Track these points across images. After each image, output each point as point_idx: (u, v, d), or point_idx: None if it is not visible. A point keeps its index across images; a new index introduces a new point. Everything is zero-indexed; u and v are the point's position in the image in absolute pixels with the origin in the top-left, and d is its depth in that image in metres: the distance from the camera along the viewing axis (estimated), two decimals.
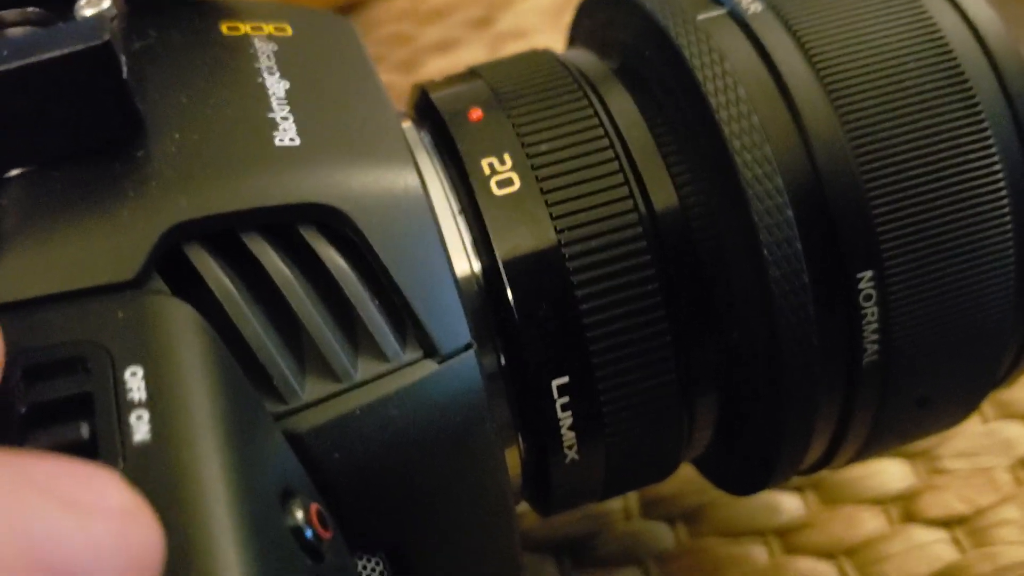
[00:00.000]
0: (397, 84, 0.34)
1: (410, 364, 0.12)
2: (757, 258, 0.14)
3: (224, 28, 0.14)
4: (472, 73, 0.17)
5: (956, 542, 0.21)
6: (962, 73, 0.15)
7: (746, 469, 0.17)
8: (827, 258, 0.14)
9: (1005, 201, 0.15)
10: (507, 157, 0.15)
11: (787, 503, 0.22)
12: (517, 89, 0.16)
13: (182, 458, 0.10)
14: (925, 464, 0.23)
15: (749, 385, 0.15)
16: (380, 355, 0.12)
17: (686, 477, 0.22)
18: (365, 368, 0.12)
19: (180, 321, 0.11)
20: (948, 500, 0.22)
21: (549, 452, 0.15)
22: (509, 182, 0.15)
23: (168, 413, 0.10)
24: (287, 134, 0.13)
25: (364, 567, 0.12)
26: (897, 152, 0.14)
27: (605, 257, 0.14)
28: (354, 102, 0.14)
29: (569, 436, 0.15)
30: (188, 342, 0.10)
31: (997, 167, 0.15)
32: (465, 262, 0.14)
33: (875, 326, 0.15)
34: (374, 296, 0.12)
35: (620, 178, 0.15)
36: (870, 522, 0.22)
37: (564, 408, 0.14)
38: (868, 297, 0.14)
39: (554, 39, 0.34)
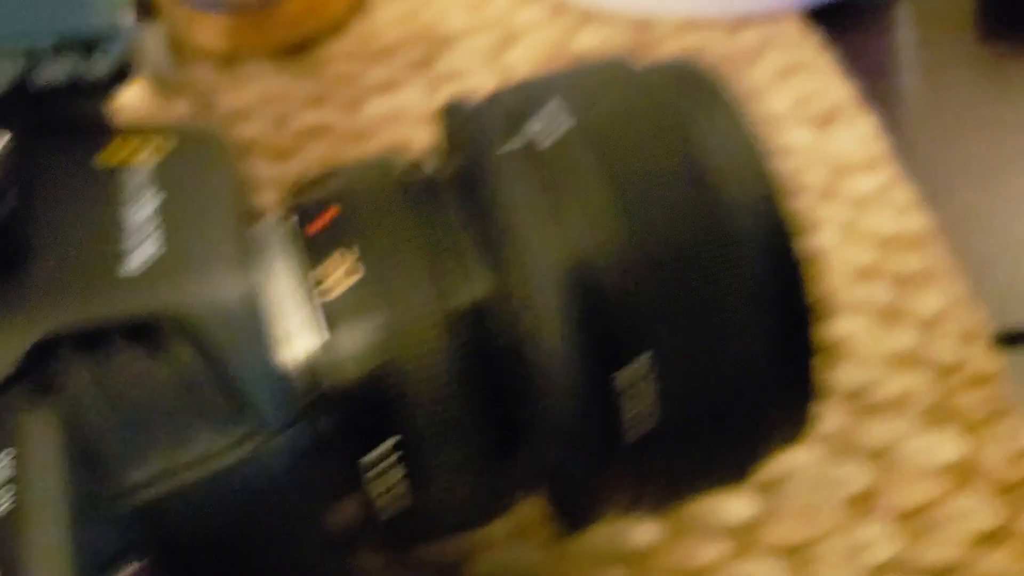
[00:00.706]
0: (339, 124, 0.37)
1: (239, 442, 0.15)
2: (537, 352, 0.17)
3: (98, 160, 0.17)
4: (332, 173, 0.20)
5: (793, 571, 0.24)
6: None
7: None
8: (599, 346, 0.17)
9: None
10: (347, 256, 0.18)
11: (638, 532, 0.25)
12: (362, 196, 0.19)
13: (23, 531, 0.13)
14: (768, 496, 0.25)
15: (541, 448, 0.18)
16: (214, 434, 0.15)
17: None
18: (199, 446, 0.15)
19: (38, 418, 0.14)
20: (785, 531, 0.25)
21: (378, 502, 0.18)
22: (339, 283, 0.17)
23: (21, 493, 0.13)
24: (136, 260, 0.16)
25: None
26: (660, 261, 0.17)
27: (415, 353, 0.17)
28: (208, 217, 0.17)
29: (398, 488, 0.18)
30: (39, 434, 0.14)
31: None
32: (300, 347, 0.17)
33: (650, 401, 0.18)
34: (209, 383, 0.15)
35: (429, 278, 0.17)
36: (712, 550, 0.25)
37: (391, 467, 0.17)
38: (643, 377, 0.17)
39: (488, 80, 0.37)
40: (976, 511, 0.25)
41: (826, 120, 0.34)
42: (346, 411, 0.17)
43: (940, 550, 0.24)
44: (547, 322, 0.17)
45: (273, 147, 0.36)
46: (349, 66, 0.39)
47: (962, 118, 0.35)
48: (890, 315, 0.29)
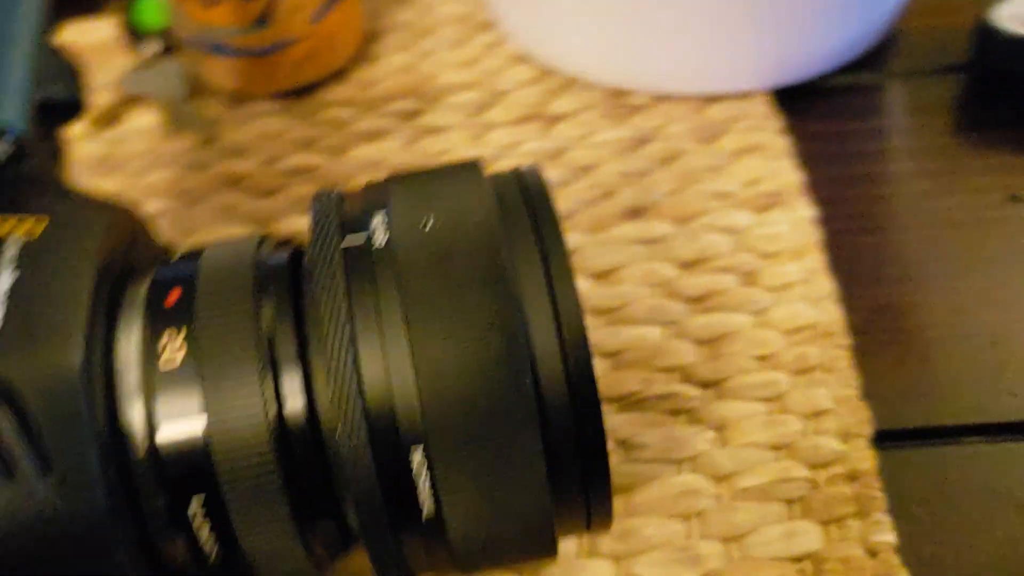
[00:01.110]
0: (325, 166, 0.40)
1: (42, 497, 0.18)
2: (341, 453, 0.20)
3: None
4: (194, 254, 0.22)
5: None
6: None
7: None
8: (388, 440, 0.20)
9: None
10: (180, 336, 0.20)
11: None
12: (209, 278, 0.21)
13: None
14: (623, 567, 0.27)
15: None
16: (22, 487, 0.18)
17: None
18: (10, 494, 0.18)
19: None
20: None
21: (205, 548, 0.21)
22: (173, 357, 0.20)
23: None
24: None
25: None
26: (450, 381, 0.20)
27: (229, 431, 0.20)
28: (57, 297, 0.20)
29: (211, 539, 0.20)
30: None
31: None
32: (128, 412, 0.20)
33: (428, 487, 0.20)
34: (23, 439, 0.18)
35: (256, 379, 0.20)
36: None
37: (203, 521, 0.20)
38: (421, 464, 0.20)
39: (464, 135, 0.40)
40: None
41: (768, 204, 0.36)
42: (161, 470, 0.20)
43: None
44: (353, 435, 0.20)
45: (261, 184, 0.39)
46: (343, 112, 0.42)
47: (916, 209, 0.36)
48: (779, 404, 0.30)
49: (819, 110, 0.39)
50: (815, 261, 0.34)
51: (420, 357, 0.20)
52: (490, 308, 0.20)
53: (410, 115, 0.41)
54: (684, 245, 0.35)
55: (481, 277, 0.20)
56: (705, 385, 0.31)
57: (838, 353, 0.31)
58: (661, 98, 0.40)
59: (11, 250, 0.20)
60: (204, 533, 0.20)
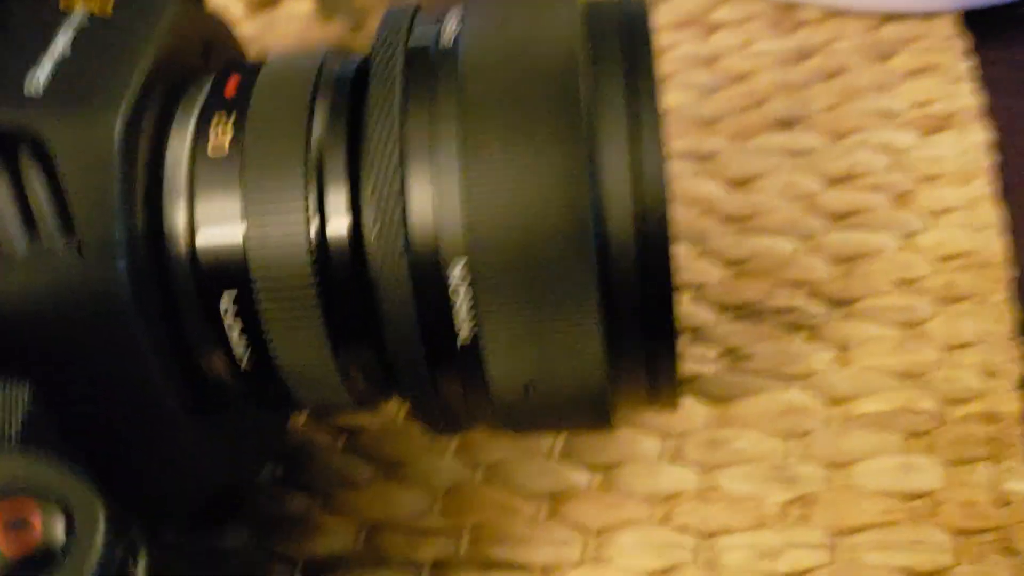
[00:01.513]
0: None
1: (62, 253, 0.17)
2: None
3: (61, 4, 0.19)
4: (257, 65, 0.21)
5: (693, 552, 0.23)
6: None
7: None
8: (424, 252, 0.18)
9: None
10: (230, 121, 0.19)
11: (576, 477, 0.25)
12: (271, 72, 0.20)
13: None
14: (707, 477, 0.25)
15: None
16: (41, 239, 0.17)
17: None
18: (24, 245, 0.17)
19: None
20: (708, 514, 0.24)
21: (236, 352, 0.19)
22: (221, 147, 0.19)
23: None
24: (34, 82, 0.18)
25: (7, 388, 0.17)
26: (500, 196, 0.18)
27: (270, 230, 0.18)
28: (113, 66, 0.19)
29: (242, 341, 0.19)
30: None
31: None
32: (168, 201, 0.19)
33: (468, 307, 0.18)
34: (51, 199, 0.18)
35: (301, 184, 0.19)
36: (633, 511, 0.24)
37: (234, 319, 0.19)
38: (462, 279, 0.18)
39: None
40: (915, 548, 0.23)
41: (937, 127, 0.32)
42: (196, 266, 0.19)
43: None
44: (393, 255, 0.18)
45: None
46: None
47: None
48: (916, 331, 0.27)
49: (1009, 37, 0.35)
50: (981, 188, 0.30)
51: (472, 171, 0.18)
52: (556, 129, 0.18)
53: None
54: (834, 160, 0.31)
55: (551, 98, 0.18)
56: (833, 303, 0.28)
57: (994, 286, 0.27)
58: (833, 14, 0.37)
59: (75, 21, 0.19)
60: (235, 334, 0.19)
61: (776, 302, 0.28)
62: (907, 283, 0.28)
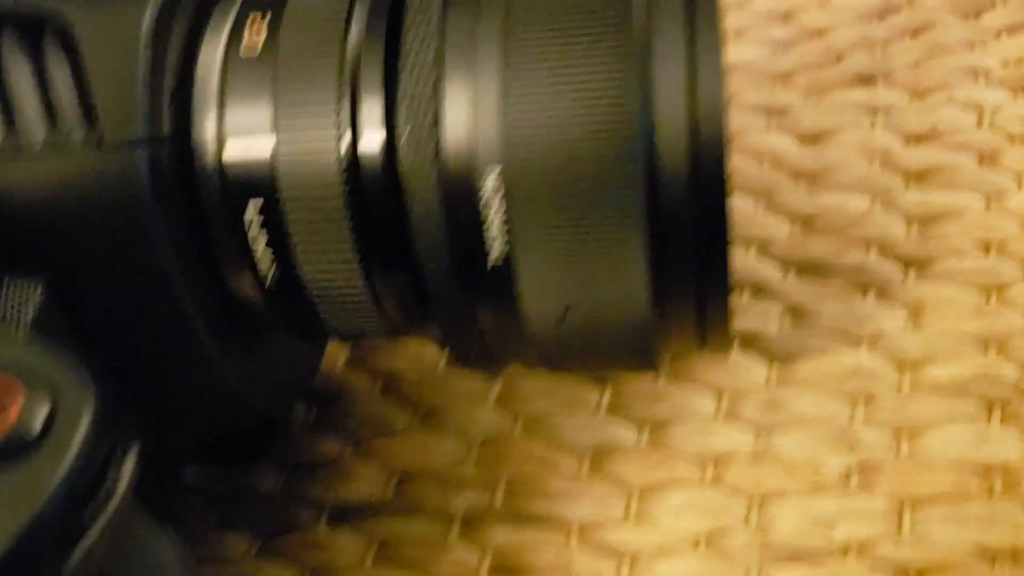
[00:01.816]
0: None
1: (82, 146, 0.16)
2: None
3: None
4: None
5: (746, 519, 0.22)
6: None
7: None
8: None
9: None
10: (264, 20, 0.18)
11: (623, 434, 0.24)
12: None
13: None
14: (763, 438, 0.23)
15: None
16: (60, 129, 0.16)
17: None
18: (42, 135, 0.17)
19: None
20: (761, 476, 0.22)
21: (260, 267, 0.18)
22: (253, 47, 0.18)
23: None
24: None
25: (19, 285, 0.16)
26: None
27: (303, 168, 0.17)
28: None
29: (267, 254, 0.18)
30: None
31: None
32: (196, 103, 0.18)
33: (501, 222, 0.16)
34: (73, 87, 0.17)
35: (334, 94, 0.17)
36: (682, 471, 0.23)
37: (259, 231, 0.18)
38: (495, 190, 0.16)
39: None
40: (991, 523, 0.21)
41: None
42: (223, 173, 0.18)
43: (918, 550, 0.21)
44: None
45: None
46: None
47: None
48: (999, 295, 0.25)
49: None
50: None
51: (513, 76, 0.16)
52: (607, 37, 0.16)
53: None
54: (916, 117, 0.29)
55: (605, 16, 0.16)
56: (908, 263, 0.26)
57: None
58: None
59: None
60: (260, 247, 0.18)
61: (846, 260, 0.26)
62: (991, 245, 0.26)
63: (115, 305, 0.18)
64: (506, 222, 0.16)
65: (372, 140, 0.17)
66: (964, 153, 0.28)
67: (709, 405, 0.24)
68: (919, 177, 0.28)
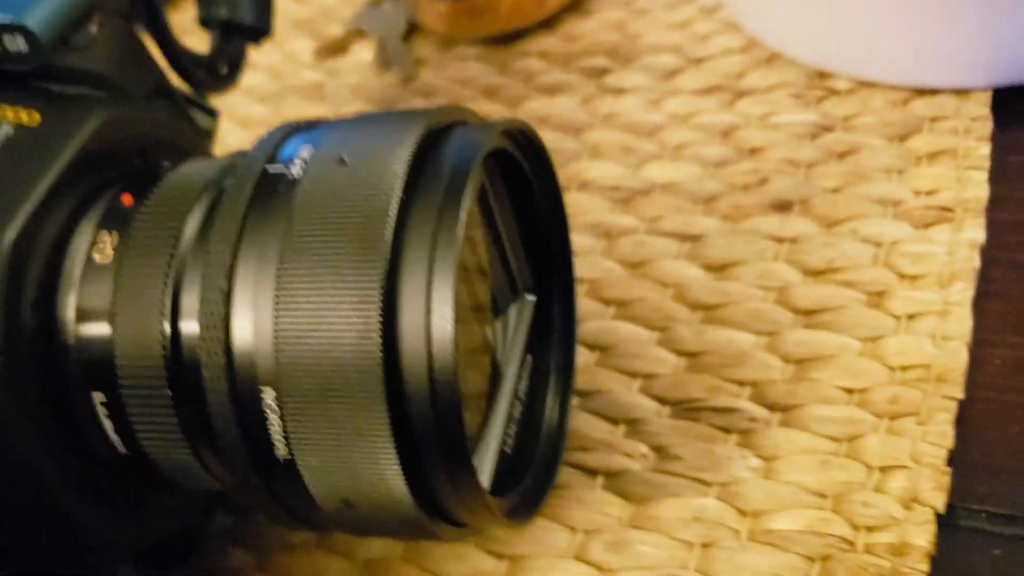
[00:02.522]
0: (495, 116, 0.39)
1: None
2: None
3: None
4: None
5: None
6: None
7: None
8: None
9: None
10: (110, 238, 0.21)
11: (486, 565, 0.26)
12: (167, 184, 0.22)
13: None
14: None
15: None
16: None
17: None
18: None
19: None
20: None
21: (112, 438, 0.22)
22: (107, 256, 0.21)
23: None
24: None
25: None
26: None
27: (131, 339, 0.21)
28: (27, 170, 0.21)
29: (114, 436, 0.21)
30: None
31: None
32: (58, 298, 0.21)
33: (280, 430, 0.19)
34: None
35: (159, 294, 0.21)
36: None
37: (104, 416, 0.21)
38: (270, 406, 0.19)
39: (642, 100, 0.37)
40: None
41: (934, 219, 0.30)
42: (74, 359, 0.21)
43: None
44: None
45: None
46: (536, 64, 0.41)
47: None
48: (849, 447, 0.26)
49: None
50: (962, 294, 0.28)
51: (283, 304, 0.19)
52: (359, 283, 0.19)
53: (598, 73, 0.40)
54: (818, 250, 0.30)
55: (363, 247, 0.19)
56: (773, 408, 0.27)
57: (943, 404, 0.26)
58: (866, 84, 0.35)
59: (2, 132, 0.22)
60: (109, 426, 0.21)
61: (717, 401, 0.28)
62: (853, 393, 0.27)
63: None
64: (283, 430, 0.19)
65: (191, 329, 0.20)
66: (854, 290, 0.29)
67: (564, 541, 0.26)
68: (808, 314, 0.29)
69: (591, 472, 0.27)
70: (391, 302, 0.19)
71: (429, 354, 0.19)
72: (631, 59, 0.40)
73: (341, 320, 0.19)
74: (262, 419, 0.20)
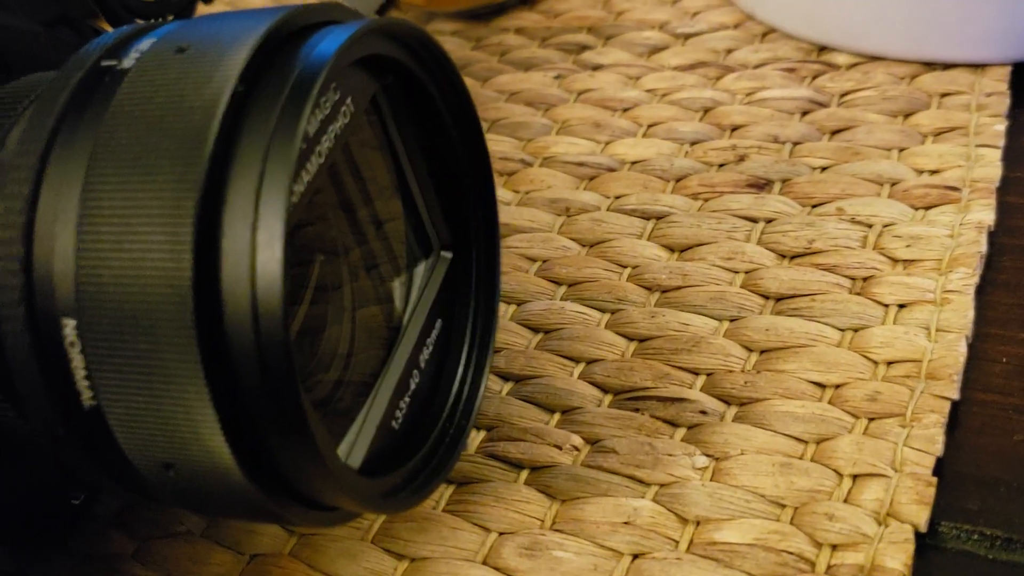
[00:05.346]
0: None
1: None
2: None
3: None
4: None
5: None
6: None
7: None
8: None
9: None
10: None
11: (383, 566, 0.22)
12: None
13: None
14: None
15: None
16: None
17: None
18: None
19: None
20: None
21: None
22: None
23: None
24: None
25: None
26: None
27: None
28: None
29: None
30: None
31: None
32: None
33: (83, 372, 0.16)
34: None
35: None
36: None
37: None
38: (73, 342, 0.15)
39: (618, 77, 0.34)
40: None
41: (936, 199, 0.26)
42: None
43: None
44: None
45: None
46: (514, 39, 0.37)
47: None
48: (815, 450, 0.22)
49: None
50: (964, 281, 0.24)
51: (88, 220, 0.15)
52: (173, 189, 0.15)
53: (577, 49, 0.36)
54: (796, 230, 0.26)
55: (183, 145, 0.15)
56: (730, 401, 0.23)
57: (933, 405, 0.22)
58: (869, 59, 0.31)
59: None
60: None
61: (665, 391, 0.24)
62: (825, 388, 0.23)
63: None
64: (87, 371, 0.16)
65: None
66: (835, 275, 0.25)
67: (475, 543, 0.22)
68: (779, 300, 0.25)
69: (515, 465, 0.23)
70: (212, 214, 0.15)
71: (252, 281, 0.15)
72: (613, 35, 0.36)
73: (150, 234, 0.15)
74: (64, 357, 0.16)
